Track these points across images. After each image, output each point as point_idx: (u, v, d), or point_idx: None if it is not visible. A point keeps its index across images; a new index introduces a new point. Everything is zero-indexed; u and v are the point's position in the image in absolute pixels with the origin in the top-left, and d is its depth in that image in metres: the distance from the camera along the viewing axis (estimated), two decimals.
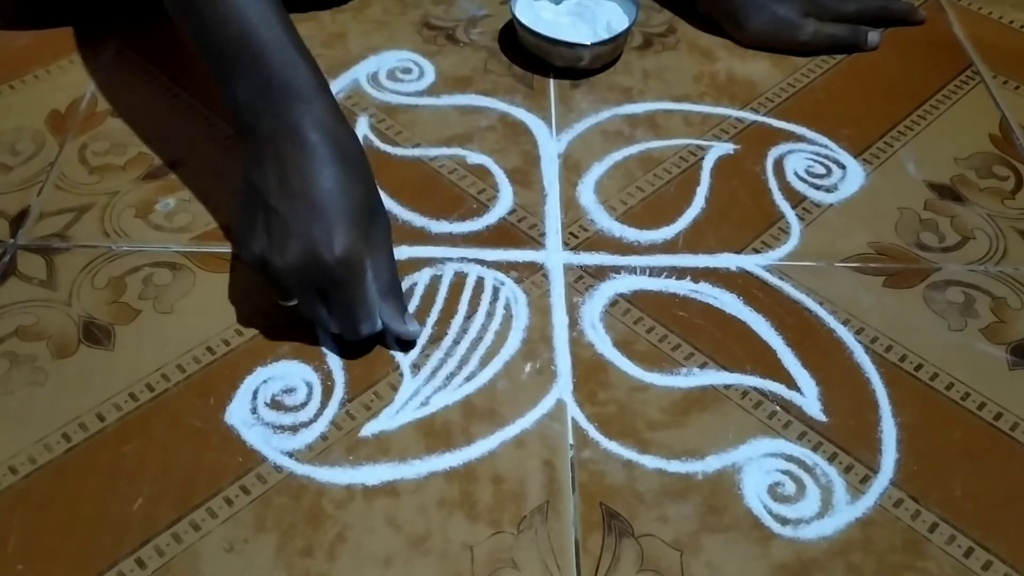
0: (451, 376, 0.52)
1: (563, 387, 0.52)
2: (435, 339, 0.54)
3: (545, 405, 0.51)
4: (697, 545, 0.46)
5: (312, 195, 0.48)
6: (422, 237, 0.59)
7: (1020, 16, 0.78)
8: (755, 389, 0.52)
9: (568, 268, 0.58)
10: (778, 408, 0.51)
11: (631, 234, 0.60)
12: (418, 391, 0.51)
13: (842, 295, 0.57)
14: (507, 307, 0.55)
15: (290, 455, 0.48)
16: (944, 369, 0.53)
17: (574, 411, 0.51)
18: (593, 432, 0.50)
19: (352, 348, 0.53)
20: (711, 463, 0.49)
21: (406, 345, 0.53)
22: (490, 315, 0.55)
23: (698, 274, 0.58)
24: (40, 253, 0.57)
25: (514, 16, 0.70)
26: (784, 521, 0.47)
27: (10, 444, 0.48)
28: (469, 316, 0.55)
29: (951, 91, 0.71)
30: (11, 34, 0.72)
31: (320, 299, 0.50)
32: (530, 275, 0.57)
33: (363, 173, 0.51)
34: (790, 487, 0.48)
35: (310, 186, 0.48)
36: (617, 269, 0.58)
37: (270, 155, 0.49)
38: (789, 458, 0.49)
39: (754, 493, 0.48)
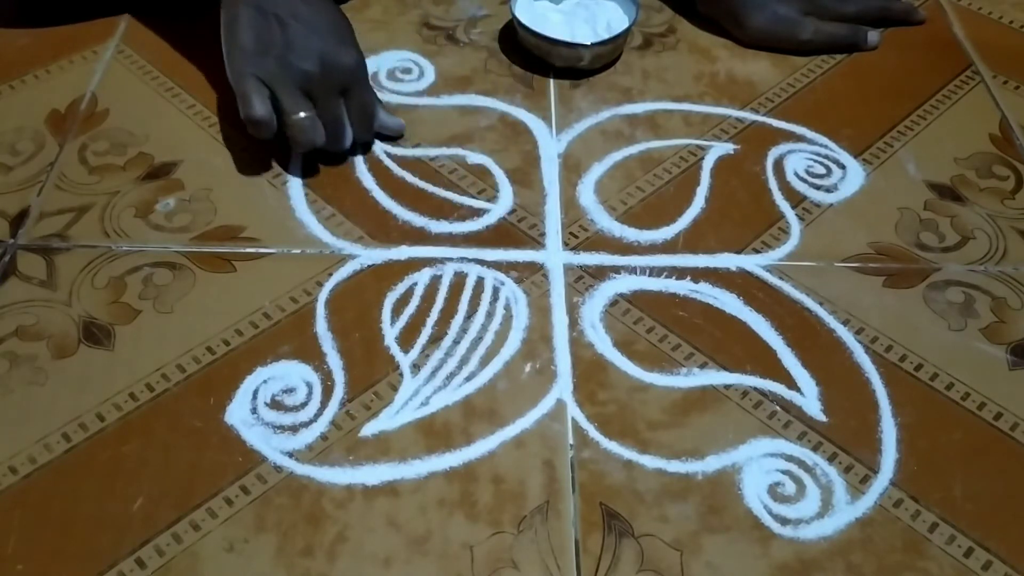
0: (451, 376, 0.52)
1: (563, 387, 0.52)
2: (435, 339, 0.54)
3: (545, 405, 0.51)
4: (697, 545, 0.46)
5: (326, 14, 0.60)
6: (422, 237, 0.59)
7: (1020, 16, 0.78)
8: (755, 389, 0.52)
9: (568, 268, 0.58)
10: (778, 408, 0.51)
11: (631, 234, 0.60)
12: (418, 391, 0.51)
13: (842, 295, 0.57)
14: (507, 307, 0.55)
15: (290, 455, 0.48)
16: (944, 369, 0.53)
17: (574, 411, 0.51)
18: (593, 432, 0.50)
19: (328, 159, 0.62)
20: (711, 463, 0.49)
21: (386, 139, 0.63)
22: (490, 315, 0.55)
23: (698, 274, 0.58)
24: (40, 253, 0.57)
25: (514, 16, 0.70)
26: (784, 521, 0.47)
27: (10, 444, 0.48)
28: (469, 316, 0.55)
29: (951, 91, 0.71)
30: (11, 34, 0.72)
31: (340, 98, 0.59)
32: (530, 275, 0.57)
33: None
34: (790, 487, 0.48)
35: (321, 9, 0.60)
36: (617, 269, 0.58)
37: None
38: (789, 458, 0.49)
39: (754, 493, 0.48)
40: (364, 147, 0.64)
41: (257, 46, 0.58)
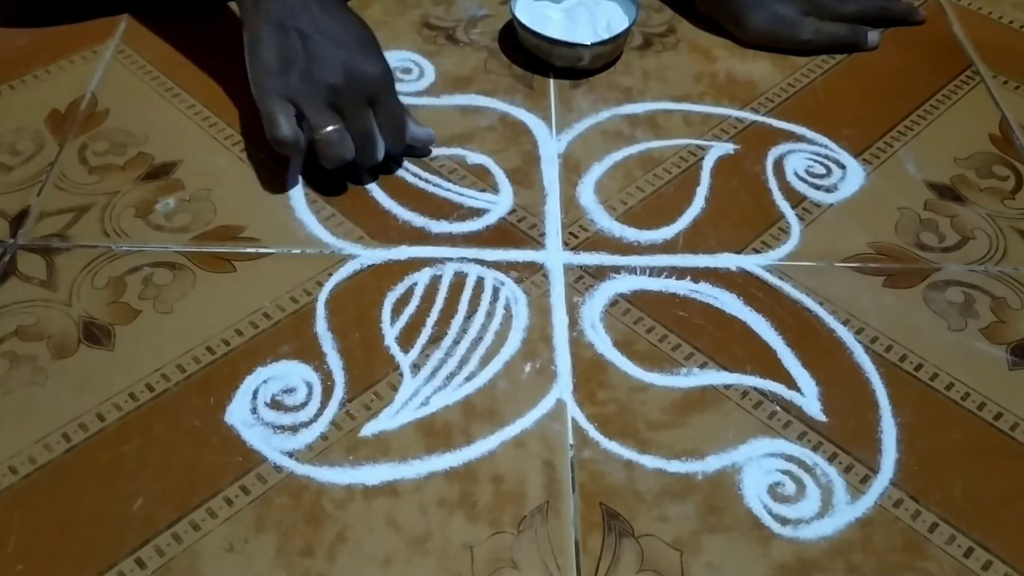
0: (451, 376, 0.52)
1: (563, 387, 0.52)
2: (435, 339, 0.54)
3: (545, 405, 0.51)
4: (697, 545, 0.46)
5: (349, 24, 0.59)
6: (422, 237, 0.59)
7: (1020, 16, 0.78)
8: (755, 389, 0.52)
9: (568, 268, 0.58)
10: (778, 408, 0.51)
11: (631, 234, 0.60)
12: (418, 391, 0.51)
13: (842, 295, 0.57)
14: (507, 307, 0.55)
15: (290, 455, 0.48)
16: (944, 369, 0.53)
17: (574, 411, 0.51)
18: (593, 432, 0.50)
19: (358, 177, 0.62)
20: (711, 463, 0.49)
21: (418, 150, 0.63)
22: (490, 315, 0.55)
23: (698, 274, 0.58)
24: (40, 253, 0.57)
25: (514, 16, 0.70)
26: (784, 521, 0.47)
27: (10, 444, 0.48)
28: (469, 316, 0.55)
29: (951, 91, 0.71)
30: (11, 34, 0.72)
31: (368, 109, 0.58)
32: (530, 275, 0.57)
33: None
34: (790, 487, 0.48)
35: (344, 20, 0.59)
36: (617, 269, 0.58)
37: (300, 3, 0.57)
38: (789, 458, 0.49)
39: (754, 493, 0.48)
40: (396, 161, 0.63)
41: (280, 63, 0.57)
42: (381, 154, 0.60)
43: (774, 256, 0.59)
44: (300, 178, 0.62)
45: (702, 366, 0.53)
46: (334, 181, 0.62)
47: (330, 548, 0.45)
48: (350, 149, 0.58)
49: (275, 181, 0.62)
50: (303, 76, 0.57)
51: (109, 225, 0.59)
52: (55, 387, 0.51)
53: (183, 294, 0.55)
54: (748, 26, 0.73)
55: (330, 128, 0.57)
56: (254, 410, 0.50)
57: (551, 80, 0.71)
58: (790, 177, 0.64)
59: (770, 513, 0.47)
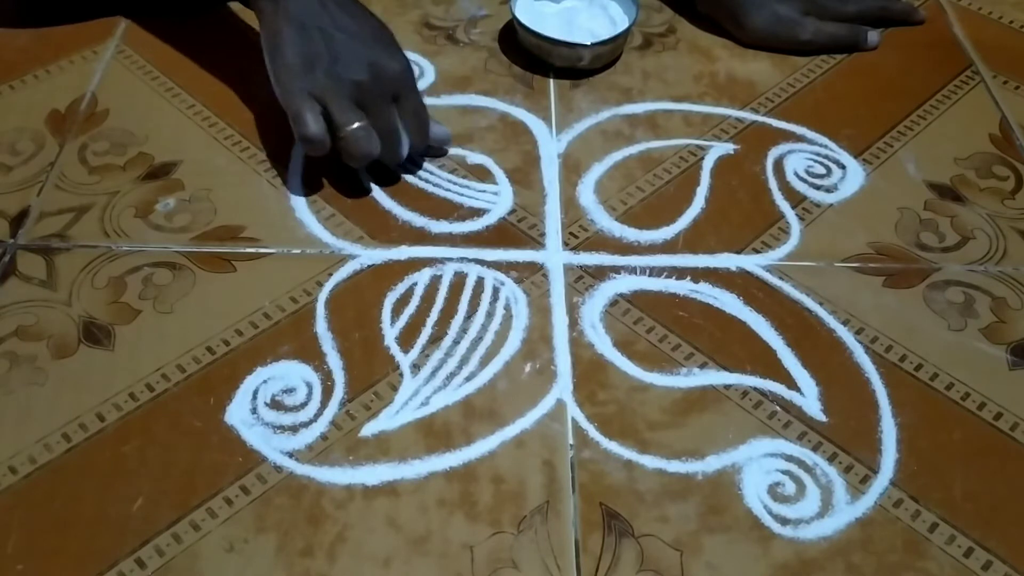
0: (451, 376, 0.52)
1: (563, 387, 0.52)
2: (435, 339, 0.54)
3: (545, 405, 0.51)
4: (697, 545, 0.46)
5: (368, 22, 0.60)
6: (422, 237, 0.59)
7: (1020, 16, 0.78)
8: (755, 389, 0.52)
9: (568, 268, 0.58)
10: (778, 408, 0.51)
11: (631, 234, 0.60)
12: (418, 391, 0.51)
13: (842, 295, 0.57)
14: (507, 307, 0.55)
15: (290, 455, 0.48)
16: (944, 369, 0.53)
17: (574, 411, 0.51)
18: (593, 432, 0.50)
19: (381, 178, 0.62)
20: (711, 463, 0.49)
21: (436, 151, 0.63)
22: (490, 315, 0.55)
23: (698, 274, 0.58)
24: (40, 253, 0.57)
25: (514, 16, 0.70)
26: (784, 521, 0.47)
27: (10, 444, 0.48)
28: (469, 316, 0.55)
29: (951, 91, 0.71)
30: (11, 34, 0.72)
31: (392, 106, 0.58)
32: (530, 275, 0.57)
33: None
34: (790, 487, 0.48)
35: (363, 18, 0.60)
36: (617, 269, 0.58)
37: (319, 2, 0.58)
38: (789, 458, 0.49)
39: (754, 493, 0.48)
40: (414, 162, 0.62)
41: (303, 62, 0.57)
42: (406, 151, 0.60)
43: (774, 256, 0.59)
44: (300, 178, 0.62)
45: (702, 366, 0.53)
46: (334, 181, 0.62)
47: (330, 548, 0.45)
48: (376, 146, 0.57)
49: (275, 181, 0.62)
50: (328, 74, 0.56)
51: (109, 225, 0.59)
52: (55, 387, 0.51)
53: (183, 294, 0.55)
54: (748, 26, 0.73)
55: (356, 125, 0.56)
56: (254, 410, 0.50)
57: (551, 80, 0.71)
58: (790, 177, 0.64)
59: (770, 513, 0.47)
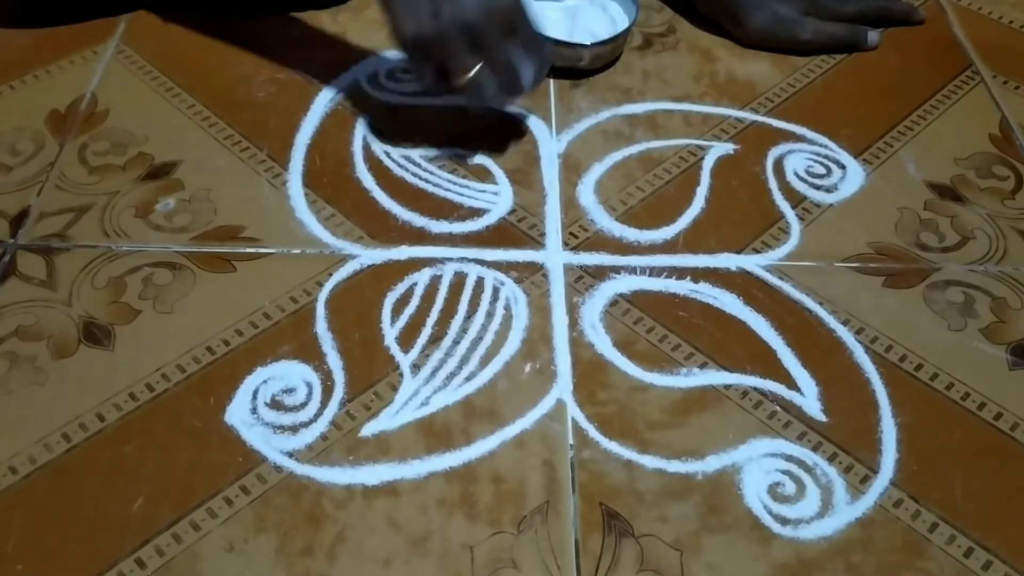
0: (451, 376, 0.52)
1: (563, 387, 0.52)
2: (435, 339, 0.54)
3: (545, 405, 0.51)
4: (697, 545, 0.46)
5: None
6: (422, 237, 0.59)
7: (1020, 16, 0.78)
8: (755, 389, 0.52)
9: (568, 268, 0.58)
10: (778, 408, 0.51)
11: (631, 234, 0.60)
12: (418, 391, 0.51)
13: (842, 295, 0.57)
14: (507, 307, 0.55)
15: (290, 455, 0.48)
16: (944, 369, 0.53)
17: (574, 411, 0.51)
18: (593, 432, 0.50)
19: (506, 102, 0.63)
20: (711, 463, 0.49)
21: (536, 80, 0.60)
22: (490, 315, 0.55)
23: (698, 274, 0.58)
24: (40, 253, 0.57)
25: None
26: (784, 521, 0.47)
27: (10, 444, 0.48)
28: (469, 316, 0.55)
29: (951, 91, 0.71)
30: (11, 34, 0.72)
31: (508, 39, 0.57)
32: (530, 275, 0.57)
33: None
34: (790, 487, 0.48)
35: None
36: (617, 269, 0.58)
37: None
38: (789, 458, 0.49)
39: (754, 493, 0.48)
40: (538, 80, 0.61)
41: (416, 8, 0.56)
42: (529, 81, 0.59)
43: (774, 256, 0.59)
44: (300, 178, 0.62)
45: (702, 366, 0.53)
46: (335, 181, 0.62)
47: (330, 548, 0.45)
48: (494, 87, 0.58)
49: (275, 181, 0.62)
50: (440, 18, 0.56)
51: (109, 225, 0.59)
52: (55, 387, 0.51)
53: (183, 294, 0.55)
54: (748, 26, 0.73)
55: (475, 72, 0.57)
56: (254, 410, 0.50)
57: (551, 80, 0.71)
58: (790, 177, 0.64)
59: (770, 513, 0.47)
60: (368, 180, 0.62)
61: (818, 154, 0.66)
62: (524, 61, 0.59)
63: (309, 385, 0.51)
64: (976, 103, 0.70)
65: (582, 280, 0.57)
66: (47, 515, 0.46)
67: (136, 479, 0.47)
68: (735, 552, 0.46)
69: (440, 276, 0.57)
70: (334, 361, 0.52)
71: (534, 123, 0.67)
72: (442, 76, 0.58)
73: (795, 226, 0.61)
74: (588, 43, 0.69)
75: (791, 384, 0.52)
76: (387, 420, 0.50)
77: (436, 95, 0.58)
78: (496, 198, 0.62)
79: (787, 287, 0.57)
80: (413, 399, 0.51)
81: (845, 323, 0.55)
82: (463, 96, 0.58)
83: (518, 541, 0.46)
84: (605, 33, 0.70)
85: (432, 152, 0.64)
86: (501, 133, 0.66)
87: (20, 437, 0.48)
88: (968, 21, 0.78)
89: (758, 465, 0.49)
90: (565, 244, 0.59)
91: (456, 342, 0.54)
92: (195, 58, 0.70)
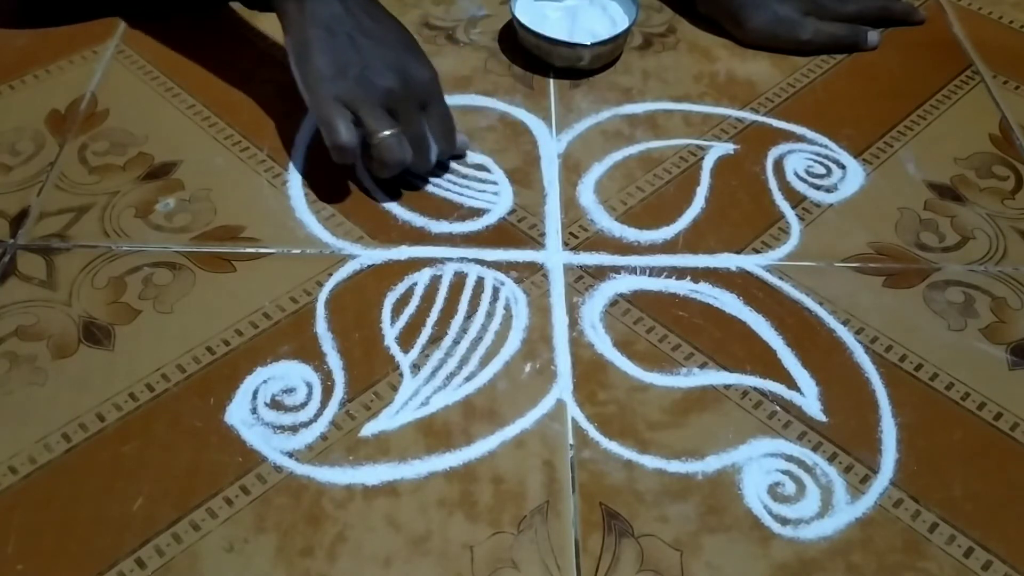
0: (451, 376, 0.52)
1: (563, 387, 0.52)
2: (435, 339, 0.54)
3: (545, 405, 0.51)
4: (697, 545, 0.46)
5: (394, 27, 0.59)
6: (422, 237, 0.59)
7: (1020, 16, 0.78)
8: (755, 389, 0.52)
9: (568, 268, 0.58)
10: (778, 408, 0.51)
11: (631, 234, 0.60)
12: (418, 391, 0.51)
13: (842, 295, 0.57)
14: (507, 307, 0.55)
15: (290, 455, 0.48)
16: (944, 369, 0.53)
17: (574, 411, 0.51)
18: (593, 432, 0.50)
19: (408, 184, 0.61)
20: (711, 463, 0.49)
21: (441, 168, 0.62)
22: (490, 315, 0.55)
23: (698, 274, 0.58)
24: (40, 253, 0.57)
25: (514, 16, 0.70)
26: (784, 521, 0.47)
27: (10, 444, 0.48)
28: (469, 316, 0.55)
29: (951, 91, 0.71)
30: (11, 34, 0.72)
31: (421, 113, 0.58)
32: (530, 275, 0.57)
33: None
34: (790, 487, 0.48)
35: (388, 23, 0.59)
36: (617, 269, 0.58)
37: (345, 8, 0.57)
38: (789, 458, 0.49)
39: (754, 493, 0.48)
40: (443, 166, 0.62)
41: (334, 68, 0.56)
42: (435, 158, 0.60)
43: (774, 256, 0.59)
44: (300, 178, 0.62)
45: (702, 366, 0.53)
46: (335, 181, 0.62)
47: (330, 548, 0.45)
48: (408, 153, 0.57)
49: (275, 181, 0.62)
50: (358, 81, 0.56)
51: (109, 225, 0.59)
52: (55, 387, 0.51)
53: (183, 294, 0.55)
54: (748, 26, 0.73)
55: (389, 132, 0.56)
56: (254, 410, 0.50)
57: (551, 80, 0.71)
58: (790, 177, 0.64)
59: (770, 513, 0.47)
60: (368, 180, 0.62)
61: (818, 154, 0.66)
62: (433, 137, 0.59)
63: (309, 385, 0.51)
64: (976, 103, 0.70)
65: (582, 280, 0.57)
66: (47, 515, 0.46)
67: (136, 479, 0.47)
68: (735, 552, 0.46)
69: (440, 276, 0.57)
70: (334, 361, 0.52)
71: (534, 123, 0.67)
72: (355, 131, 0.56)
73: (795, 226, 0.61)
74: (588, 43, 0.69)
75: (791, 384, 0.52)
76: (387, 420, 0.50)
77: (340, 154, 0.57)
78: (496, 198, 0.62)
79: (787, 287, 0.57)
80: (413, 399, 0.51)
81: (845, 323, 0.55)
82: (370, 156, 0.58)
83: (518, 541, 0.46)
84: (605, 33, 0.70)
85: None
86: (501, 133, 0.66)
87: (20, 437, 0.48)
88: (968, 21, 0.78)
89: (758, 465, 0.49)
90: (565, 244, 0.59)
91: (456, 342, 0.54)
92: (195, 58, 0.70)
